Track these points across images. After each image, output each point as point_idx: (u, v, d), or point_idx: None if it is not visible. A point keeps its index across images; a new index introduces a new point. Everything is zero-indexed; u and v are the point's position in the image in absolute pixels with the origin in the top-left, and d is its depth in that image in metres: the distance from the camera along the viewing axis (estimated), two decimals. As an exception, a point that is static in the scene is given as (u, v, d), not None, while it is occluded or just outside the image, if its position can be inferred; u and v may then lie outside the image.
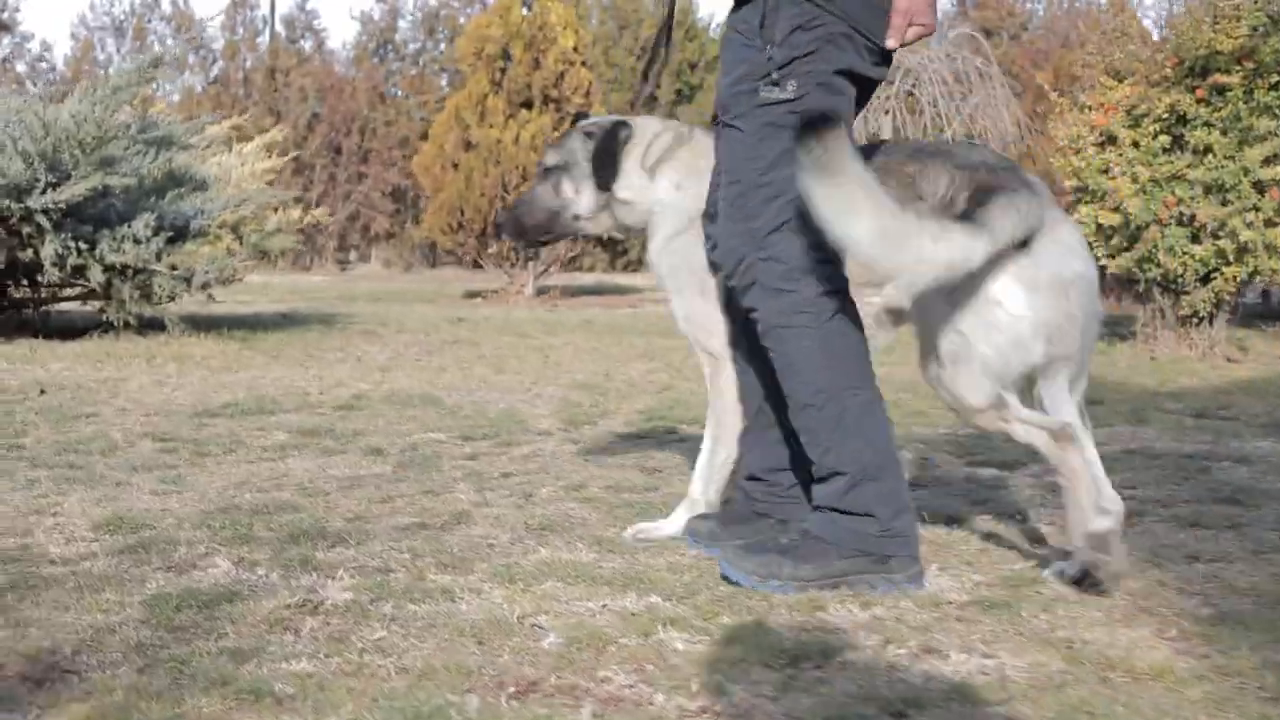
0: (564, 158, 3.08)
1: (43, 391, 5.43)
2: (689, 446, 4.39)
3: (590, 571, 2.59)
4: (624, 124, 3.06)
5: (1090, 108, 8.76)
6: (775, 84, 2.53)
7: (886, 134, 11.79)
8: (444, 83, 26.61)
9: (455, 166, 14.37)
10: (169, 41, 27.16)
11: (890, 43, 2.58)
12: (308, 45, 27.67)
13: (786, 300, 2.56)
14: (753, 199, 2.57)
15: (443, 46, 27.69)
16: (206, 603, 2.32)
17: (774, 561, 2.52)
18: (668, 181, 2.98)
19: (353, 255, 25.59)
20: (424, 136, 19.45)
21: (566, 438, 4.53)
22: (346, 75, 26.18)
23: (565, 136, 3.15)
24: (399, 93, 27.02)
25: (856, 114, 2.77)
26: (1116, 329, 10.20)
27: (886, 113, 11.63)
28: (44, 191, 7.24)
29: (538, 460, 4.03)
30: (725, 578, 2.54)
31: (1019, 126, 11.58)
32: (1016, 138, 11.61)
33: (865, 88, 2.70)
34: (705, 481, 2.99)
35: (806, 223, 2.44)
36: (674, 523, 2.96)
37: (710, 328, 2.92)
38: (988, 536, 3.02)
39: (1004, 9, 28.94)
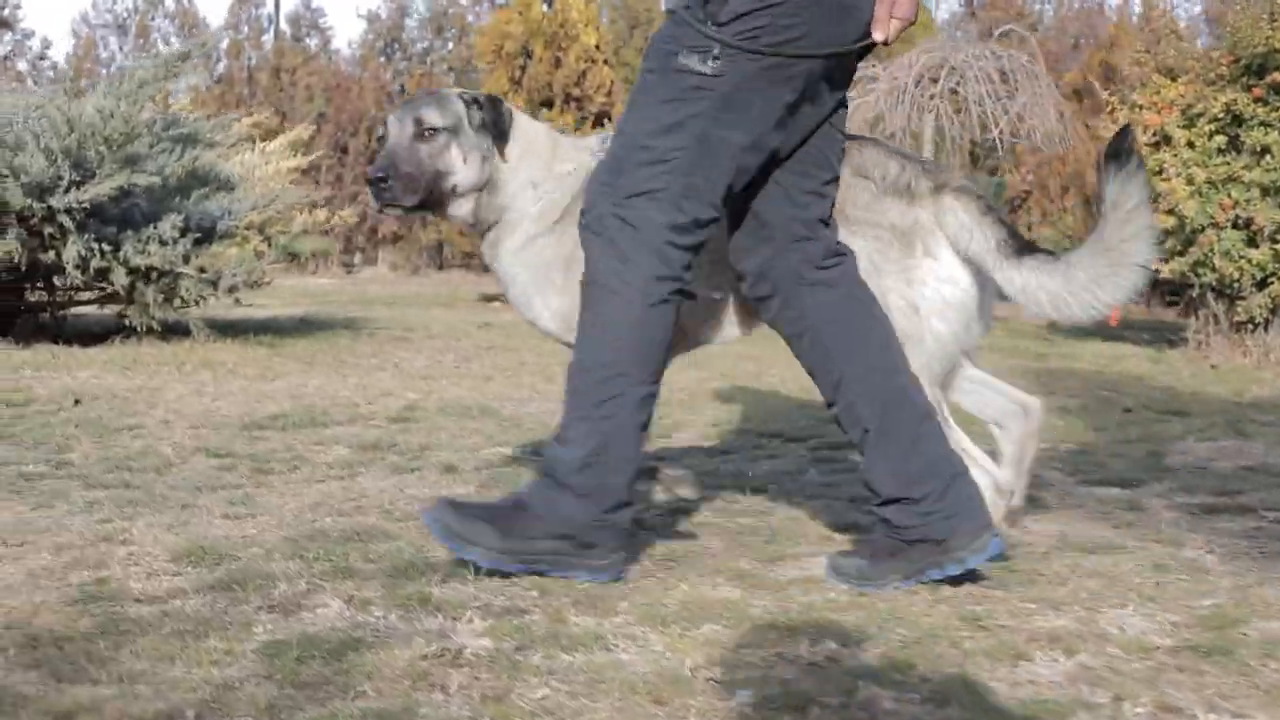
0: (452, 121, 2.84)
1: (77, 401, 5.13)
2: (782, 463, 4.13)
3: (744, 611, 2.32)
4: (502, 100, 2.94)
5: (1143, 107, 8.51)
6: (701, 58, 2.42)
7: (928, 133, 11.55)
8: (452, 82, 26.32)
9: (473, 167, 14.08)
10: (173, 40, 26.82)
11: (877, 36, 2.49)
12: (313, 44, 27.36)
13: (627, 268, 2.45)
14: (631, 157, 2.47)
15: (450, 46, 27.40)
16: (331, 652, 2.04)
17: (479, 529, 2.47)
18: (527, 178, 2.89)
19: (358, 258, 25.24)
20: (433, 137, 19.09)
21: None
22: (353, 74, 25.86)
23: (443, 98, 2.90)
24: (406, 91, 26.73)
25: (841, 91, 2.64)
26: (1164, 334, 9.96)
27: (930, 111, 11.38)
28: (67, 190, 6.91)
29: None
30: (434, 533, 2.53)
31: (1065, 126, 11.36)
32: (1063, 136, 11.38)
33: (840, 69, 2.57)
34: None
35: (674, 203, 2.44)
36: None
37: None
38: (1156, 567, 2.75)
39: (1013, 10, 28.69)
